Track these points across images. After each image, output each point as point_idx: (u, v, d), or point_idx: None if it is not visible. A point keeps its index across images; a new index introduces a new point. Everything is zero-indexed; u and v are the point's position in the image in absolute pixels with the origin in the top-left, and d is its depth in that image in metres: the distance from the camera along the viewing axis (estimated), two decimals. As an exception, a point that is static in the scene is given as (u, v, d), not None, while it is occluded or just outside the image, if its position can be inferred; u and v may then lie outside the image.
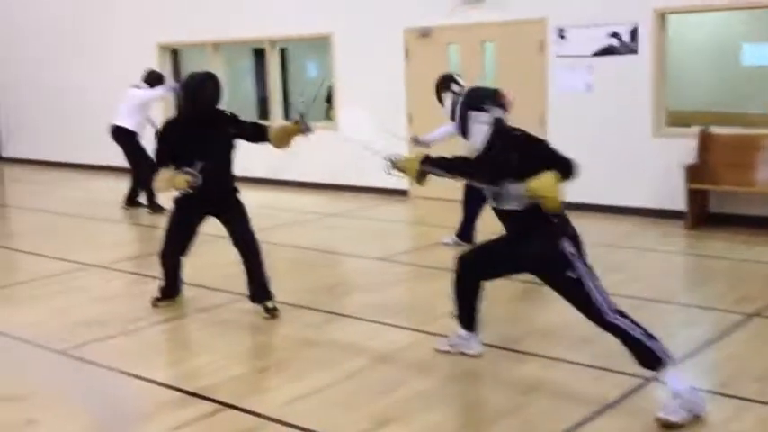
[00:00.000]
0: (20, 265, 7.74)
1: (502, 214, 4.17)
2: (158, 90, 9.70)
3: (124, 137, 9.70)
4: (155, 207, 9.46)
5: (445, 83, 7.17)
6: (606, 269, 5.98)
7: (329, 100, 11.87)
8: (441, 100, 7.18)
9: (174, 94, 9.75)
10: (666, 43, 8.50)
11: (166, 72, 12.63)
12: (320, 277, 6.77)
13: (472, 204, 7.30)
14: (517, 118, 4.62)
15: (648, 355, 3.85)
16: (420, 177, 4.46)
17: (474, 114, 4.16)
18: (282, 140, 5.47)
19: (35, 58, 14.79)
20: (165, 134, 5.47)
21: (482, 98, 4.20)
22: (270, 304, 5.51)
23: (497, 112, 4.15)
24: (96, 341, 5.14)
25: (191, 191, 5.28)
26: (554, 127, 8.77)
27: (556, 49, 8.96)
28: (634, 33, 8.45)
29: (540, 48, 9.03)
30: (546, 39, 9.02)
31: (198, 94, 5.36)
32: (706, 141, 8.20)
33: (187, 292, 5.94)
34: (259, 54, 13.29)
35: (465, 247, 7.37)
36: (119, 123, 9.70)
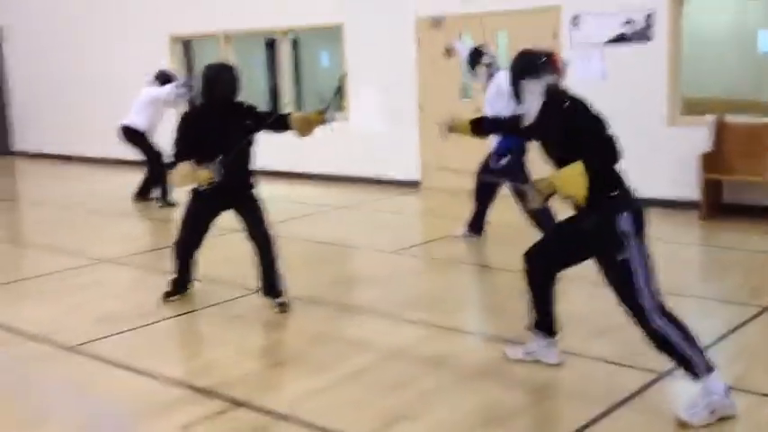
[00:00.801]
0: (30, 260, 7.73)
1: None
2: (167, 87, 9.66)
3: (132, 136, 9.69)
4: (167, 202, 9.46)
5: (475, 56, 7.18)
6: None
7: (340, 91, 11.79)
8: (474, 75, 7.28)
9: (184, 90, 9.73)
10: (682, 30, 8.39)
11: (178, 64, 12.64)
12: (333, 271, 6.74)
13: (483, 195, 7.24)
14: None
15: (685, 366, 3.68)
16: (474, 134, 4.58)
17: (526, 82, 3.99)
18: (305, 128, 5.39)
19: (46, 51, 14.79)
20: (184, 126, 5.39)
21: (533, 64, 3.99)
22: (281, 299, 5.48)
23: (549, 78, 3.96)
24: (106, 337, 5.12)
25: (210, 186, 5.23)
26: (567, 116, 8.68)
27: (569, 37, 8.87)
28: (649, 20, 8.35)
29: (554, 35, 8.94)
30: (559, 26, 8.93)
31: (214, 85, 5.31)
32: (721, 130, 8.11)
33: (199, 286, 5.92)
34: (271, 45, 13.23)
35: (476, 239, 7.35)
36: (126, 123, 9.71)
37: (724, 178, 8.05)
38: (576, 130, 3.81)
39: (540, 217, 6.57)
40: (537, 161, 6.63)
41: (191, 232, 5.63)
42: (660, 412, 3.78)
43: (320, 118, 5.36)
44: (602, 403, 3.90)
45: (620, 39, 8.56)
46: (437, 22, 9.80)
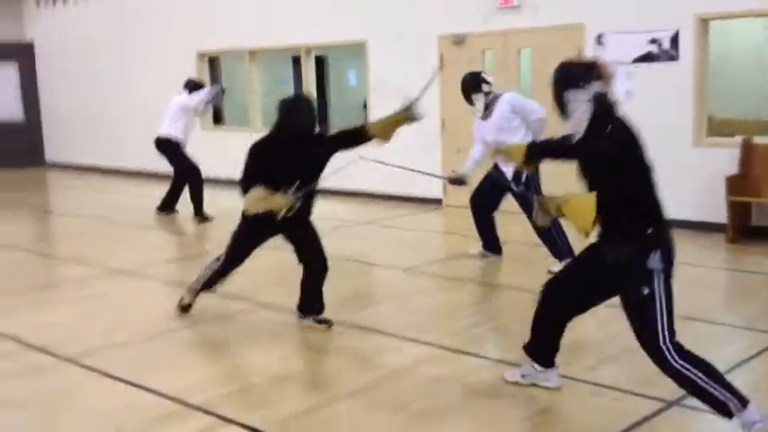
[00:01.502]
0: (53, 270, 7.76)
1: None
2: (198, 95, 9.71)
3: (166, 146, 9.77)
4: (203, 216, 9.44)
5: (475, 83, 6.83)
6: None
7: (366, 106, 11.76)
8: (470, 101, 6.88)
9: (213, 96, 9.79)
10: (708, 50, 8.20)
11: (205, 79, 12.70)
12: (344, 287, 6.60)
13: (481, 215, 7.09)
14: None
15: (716, 406, 3.46)
16: (527, 163, 4.23)
17: (571, 93, 3.61)
18: (387, 133, 5.20)
19: (75, 66, 14.99)
20: (257, 153, 5.17)
21: (577, 73, 3.64)
22: (323, 317, 5.37)
23: (597, 87, 3.58)
24: (111, 347, 5.09)
25: (284, 215, 5.04)
26: (591, 136, 8.52)
27: (594, 56, 8.71)
28: (675, 40, 8.17)
29: (578, 54, 8.78)
30: (584, 45, 8.78)
31: (289, 120, 5.12)
32: (749, 151, 7.88)
33: (206, 300, 5.85)
34: (298, 61, 13.27)
35: (495, 257, 7.19)
36: (162, 133, 9.78)
37: (752, 201, 7.83)
38: (609, 160, 3.53)
39: (550, 235, 6.35)
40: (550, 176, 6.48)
41: (238, 258, 5.43)
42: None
43: (405, 116, 5.14)
44: (607, 431, 3.74)
45: (646, 58, 8.39)
46: (459, 40, 9.71)
